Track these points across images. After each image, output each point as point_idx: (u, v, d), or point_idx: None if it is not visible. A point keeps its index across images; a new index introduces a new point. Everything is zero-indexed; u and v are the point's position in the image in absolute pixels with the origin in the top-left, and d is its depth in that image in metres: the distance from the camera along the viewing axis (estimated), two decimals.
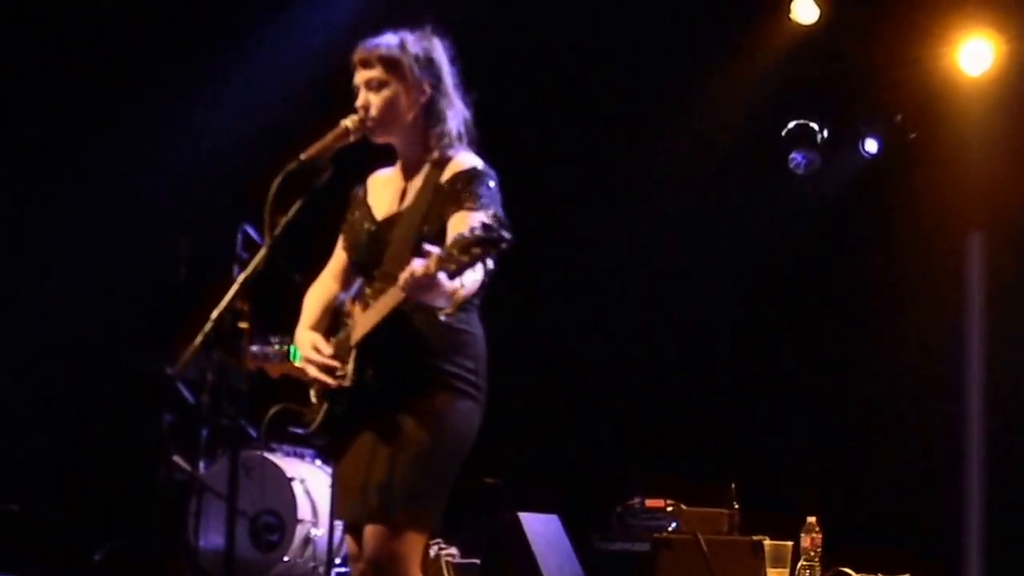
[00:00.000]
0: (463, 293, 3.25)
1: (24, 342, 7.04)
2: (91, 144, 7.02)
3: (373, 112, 3.54)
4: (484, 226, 3.04)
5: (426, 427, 3.43)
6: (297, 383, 3.70)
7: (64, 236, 7.14)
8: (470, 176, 3.50)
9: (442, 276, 3.13)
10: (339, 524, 6.27)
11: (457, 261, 3.06)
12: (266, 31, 7.05)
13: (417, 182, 3.59)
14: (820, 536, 5.29)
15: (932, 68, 6.99)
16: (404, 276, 3.18)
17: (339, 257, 3.76)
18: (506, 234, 3.03)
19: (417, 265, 3.15)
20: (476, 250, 3.04)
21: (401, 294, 3.25)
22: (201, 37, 6.91)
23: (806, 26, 7.05)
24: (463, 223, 3.29)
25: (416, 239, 3.39)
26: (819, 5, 6.99)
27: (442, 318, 3.32)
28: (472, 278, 3.22)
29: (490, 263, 3.14)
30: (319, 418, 3.58)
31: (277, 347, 6.05)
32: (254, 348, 5.69)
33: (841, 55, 7.17)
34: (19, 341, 7.04)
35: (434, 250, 3.13)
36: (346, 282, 3.74)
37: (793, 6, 7.03)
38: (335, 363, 3.50)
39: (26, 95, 6.99)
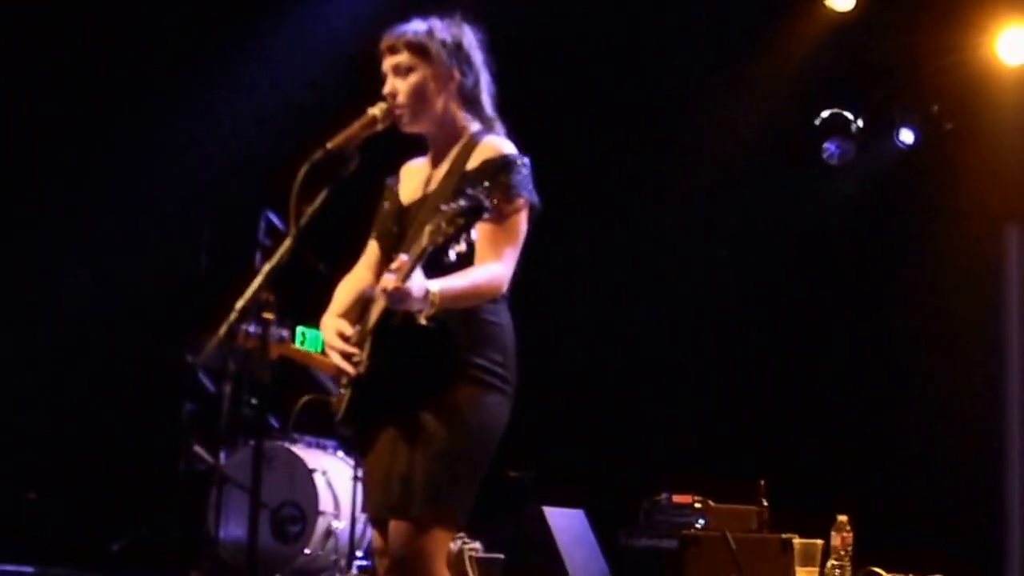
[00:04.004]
0: (441, 296, 3.17)
1: (45, 331, 7.02)
2: (113, 132, 6.99)
3: (401, 99, 3.46)
4: (467, 196, 3.06)
5: (449, 422, 3.34)
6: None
7: (85, 225, 7.12)
8: (498, 165, 3.39)
9: (413, 283, 3.10)
10: (362, 516, 6.23)
11: (444, 234, 3.05)
12: (290, 17, 7.00)
13: (444, 166, 3.52)
14: (851, 535, 5.24)
15: (970, 57, 6.91)
16: (379, 288, 3.16)
17: (373, 247, 3.68)
18: (486, 203, 3.05)
19: (387, 278, 3.11)
20: (460, 220, 3.04)
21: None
22: (224, 24, 6.87)
23: (841, 13, 6.97)
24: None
25: None
26: None
27: (422, 322, 3.22)
28: (453, 284, 3.18)
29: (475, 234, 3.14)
30: (343, 407, 3.51)
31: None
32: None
33: (877, 43, 7.08)
34: (40, 330, 7.02)
35: (402, 257, 3.11)
36: (380, 272, 3.66)
37: None
38: (353, 350, 3.42)
39: (48, 84, 6.96)
